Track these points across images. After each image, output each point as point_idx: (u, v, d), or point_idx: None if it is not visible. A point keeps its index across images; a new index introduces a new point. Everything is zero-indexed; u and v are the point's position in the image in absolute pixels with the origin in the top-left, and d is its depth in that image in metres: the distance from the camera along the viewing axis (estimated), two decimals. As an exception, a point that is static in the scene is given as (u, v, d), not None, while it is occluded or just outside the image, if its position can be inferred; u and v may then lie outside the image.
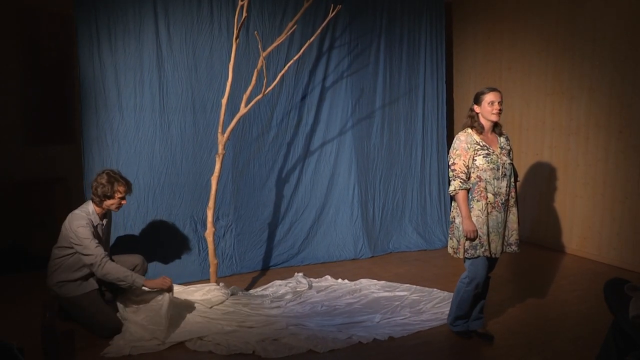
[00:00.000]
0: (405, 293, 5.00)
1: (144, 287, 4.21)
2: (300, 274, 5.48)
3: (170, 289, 4.22)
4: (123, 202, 4.29)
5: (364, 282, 5.33)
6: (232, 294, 4.73)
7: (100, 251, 4.04)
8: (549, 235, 6.76)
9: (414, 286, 5.20)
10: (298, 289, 5.07)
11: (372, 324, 4.32)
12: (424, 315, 4.49)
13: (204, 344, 3.98)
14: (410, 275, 5.71)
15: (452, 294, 4.85)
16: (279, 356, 3.83)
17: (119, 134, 5.44)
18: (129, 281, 4.08)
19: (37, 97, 6.53)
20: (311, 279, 5.40)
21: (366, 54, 6.70)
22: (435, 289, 5.10)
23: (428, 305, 4.69)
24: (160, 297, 4.18)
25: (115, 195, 4.19)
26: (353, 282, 5.32)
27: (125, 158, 5.46)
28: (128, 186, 4.29)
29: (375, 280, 5.37)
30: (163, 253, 5.61)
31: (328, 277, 5.44)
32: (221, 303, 4.52)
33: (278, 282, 5.31)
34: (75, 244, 4.06)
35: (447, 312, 4.41)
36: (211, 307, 4.45)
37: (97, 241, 4.09)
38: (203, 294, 4.59)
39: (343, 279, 5.44)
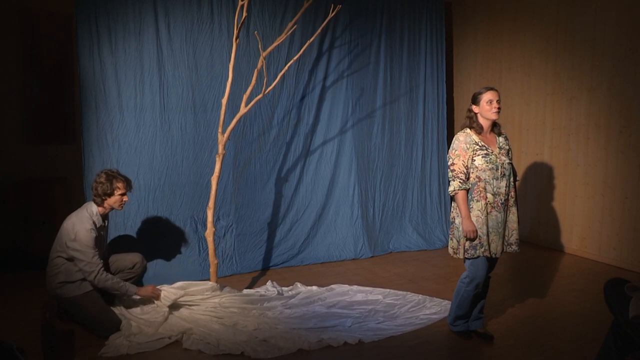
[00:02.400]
0: (379, 297, 4.92)
1: (135, 296, 4.38)
2: (269, 282, 5.30)
3: (158, 298, 4.39)
4: (125, 198, 4.30)
5: (335, 287, 5.19)
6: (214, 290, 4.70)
7: (97, 261, 4.09)
8: (549, 235, 6.76)
9: (388, 290, 5.12)
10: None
11: (343, 328, 4.27)
12: (398, 320, 4.42)
13: (194, 342, 3.99)
14: (410, 275, 5.71)
15: (426, 297, 4.90)
16: (269, 357, 3.83)
17: (119, 134, 5.44)
18: (122, 290, 4.22)
19: (37, 97, 6.52)
20: (283, 288, 5.22)
21: (366, 54, 6.70)
22: (409, 293, 5.03)
23: (402, 309, 4.63)
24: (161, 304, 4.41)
25: (115, 192, 4.21)
26: (325, 288, 5.17)
27: (126, 158, 5.46)
28: (127, 182, 4.30)
29: (346, 285, 5.23)
30: (163, 253, 5.61)
31: (298, 284, 5.27)
32: (176, 299, 4.45)
33: (246, 291, 5.14)
34: (73, 248, 4.06)
35: (422, 317, 4.47)
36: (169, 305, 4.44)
37: (95, 250, 4.10)
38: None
39: (312, 285, 5.27)
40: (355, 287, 5.16)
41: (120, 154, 5.44)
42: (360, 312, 4.58)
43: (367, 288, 5.14)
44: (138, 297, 4.42)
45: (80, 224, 4.09)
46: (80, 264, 4.07)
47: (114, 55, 5.37)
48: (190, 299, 4.48)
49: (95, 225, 4.16)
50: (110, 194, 4.20)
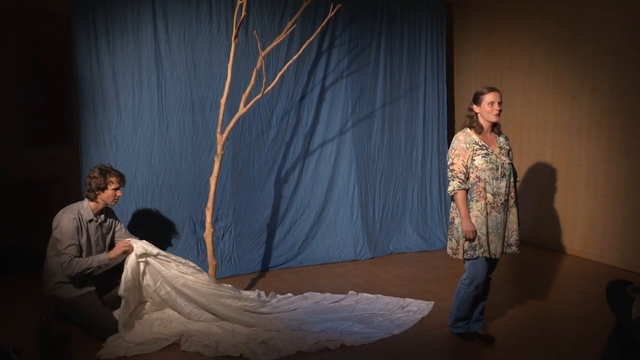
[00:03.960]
0: (351, 303, 4.85)
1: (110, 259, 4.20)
2: (256, 292, 5.15)
3: (131, 249, 4.24)
4: (118, 193, 4.28)
5: (308, 295, 5.07)
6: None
7: (71, 252, 4.02)
8: (550, 236, 6.74)
9: (359, 294, 5.05)
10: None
11: (332, 331, 4.23)
12: (383, 323, 4.39)
13: (193, 344, 3.98)
14: (410, 277, 5.70)
15: (399, 298, 4.90)
16: (268, 359, 3.81)
17: (117, 134, 5.44)
18: (94, 265, 4.10)
19: (35, 96, 6.51)
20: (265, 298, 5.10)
21: (366, 54, 6.70)
22: (380, 295, 5.01)
23: (380, 312, 4.60)
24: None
25: (109, 186, 4.20)
26: (298, 296, 5.05)
27: (124, 158, 5.46)
28: (121, 177, 4.29)
29: (319, 293, 5.11)
30: (161, 254, 5.60)
31: (272, 292, 5.12)
32: (150, 252, 4.30)
33: (227, 285, 5.02)
34: (54, 237, 4.06)
35: (403, 318, 4.46)
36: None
37: (73, 241, 4.05)
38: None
39: (286, 293, 5.15)
40: (328, 295, 5.06)
41: (118, 154, 5.45)
42: (339, 317, 4.52)
43: (340, 295, 5.05)
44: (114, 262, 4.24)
45: (65, 213, 4.10)
46: (58, 255, 4.05)
47: (111, 55, 5.38)
48: (163, 260, 4.36)
49: (80, 216, 4.15)
50: (104, 189, 4.19)
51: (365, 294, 5.07)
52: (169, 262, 4.40)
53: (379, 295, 5.02)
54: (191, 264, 4.54)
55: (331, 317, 4.51)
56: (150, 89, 5.56)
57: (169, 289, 4.37)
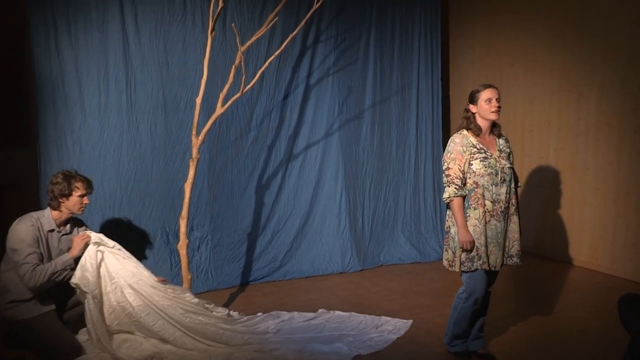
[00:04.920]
0: (321, 322, 4.78)
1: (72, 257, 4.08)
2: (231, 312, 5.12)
3: (89, 239, 4.15)
4: (85, 201, 4.18)
5: (274, 314, 4.98)
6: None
7: (32, 260, 3.88)
8: (555, 246, 6.70)
9: (330, 312, 4.98)
10: None
11: (313, 350, 4.17)
12: (354, 343, 4.34)
13: None
14: (403, 290, 5.66)
15: (374, 316, 4.87)
16: None
17: (80, 136, 5.38)
18: (59, 267, 3.98)
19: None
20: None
21: (354, 49, 6.70)
22: (354, 313, 4.94)
23: (351, 332, 4.54)
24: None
25: (74, 192, 4.08)
26: (265, 315, 4.95)
27: (89, 163, 5.38)
28: (87, 182, 4.18)
29: (286, 312, 5.01)
30: (131, 268, 5.51)
31: (242, 313, 5.05)
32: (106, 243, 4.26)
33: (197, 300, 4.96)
34: (10, 247, 3.90)
35: (376, 338, 4.40)
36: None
37: (34, 249, 3.91)
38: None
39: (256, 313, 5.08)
40: (296, 314, 4.97)
41: (83, 158, 5.37)
42: (305, 337, 4.45)
43: (310, 314, 4.96)
44: (75, 262, 4.10)
45: (21, 221, 3.98)
46: (18, 267, 3.88)
47: (73, 48, 5.30)
48: (119, 256, 4.27)
49: (40, 224, 4.03)
50: (68, 195, 4.07)
51: (338, 312, 4.98)
52: (125, 258, 4.31)
53: (352, 314, 4.95)
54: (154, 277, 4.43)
55: (297, 338, 4.42)
56: (118, 86, 5.49)
57: (121, 292, 4.23)
